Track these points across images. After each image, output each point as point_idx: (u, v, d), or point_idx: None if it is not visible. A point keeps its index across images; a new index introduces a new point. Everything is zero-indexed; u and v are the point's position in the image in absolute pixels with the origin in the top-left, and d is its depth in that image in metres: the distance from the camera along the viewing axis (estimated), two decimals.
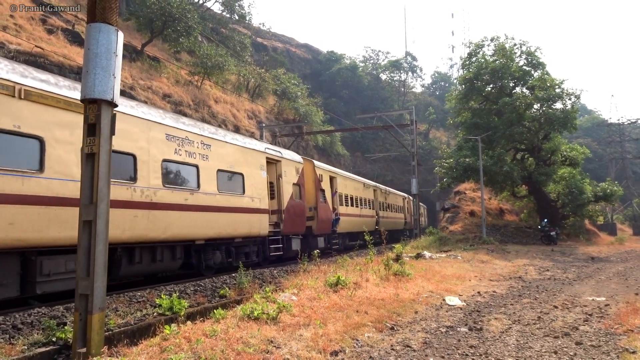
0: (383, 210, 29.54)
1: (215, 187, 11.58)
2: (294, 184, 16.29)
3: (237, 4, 41.65)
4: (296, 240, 16.37)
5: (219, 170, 11.89)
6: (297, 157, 17.53)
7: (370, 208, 26.50)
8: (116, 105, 5.28)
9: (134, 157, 9.33)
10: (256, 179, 13.65)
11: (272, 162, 15.14)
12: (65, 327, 5.69)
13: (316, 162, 19.06)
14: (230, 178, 12.49)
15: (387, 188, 33.09)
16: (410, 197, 37.77)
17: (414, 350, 5.47)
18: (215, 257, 11.97)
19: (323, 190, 18.78)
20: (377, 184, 30.70)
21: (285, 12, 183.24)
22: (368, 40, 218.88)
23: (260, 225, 13.63)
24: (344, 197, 21.83)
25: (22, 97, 7.20)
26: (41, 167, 7.38)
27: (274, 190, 15.24)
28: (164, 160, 10.04)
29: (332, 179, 20.48)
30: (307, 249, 16.90)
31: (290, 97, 39.74)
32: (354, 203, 23.54)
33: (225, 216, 11.91)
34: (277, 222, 14.96)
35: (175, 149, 10.44)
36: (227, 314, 6.33)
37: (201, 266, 11.70)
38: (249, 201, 13.03)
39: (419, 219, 33.13)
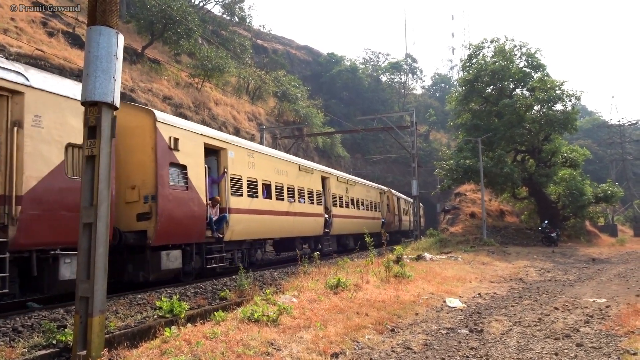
0: (341, 206, 21.21)
1: None
2: (70, 145, 8.17)
3: (237, 6, 41.74)
4: (69, 261, 7.91)
5: None
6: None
7: (313, 202, 17.95)
8: (117, 108, 5.30)
9: None
10: None
11: None
12: (66, 330, 5.71)
13: (161, 115, 10.59)
14: None
15: (350, 177, 24.86)
16: (392, 191, 32.23)
17: (415, 352, 5.47)
18: None
19: (183, 167, 10.65)
20: (331, 170, 22.29)
21: (286, 14, 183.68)
22: (368, 42, 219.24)
23: None
24: (245, 182, 13.30)
25: None
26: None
27: None
28: None
29: (212, 151, 12.27)
30: (135, 271, 9.82)
31: (290, 99, 39.78)
32: (275, 194, 15.03)
33: None
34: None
35: None
36: (227, 316, 6.34)
37: None
38: None
39: (419, 220, 33.02)
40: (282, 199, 15.51)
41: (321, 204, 18.85)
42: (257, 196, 13.89)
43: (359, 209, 23.94)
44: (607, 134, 60.57)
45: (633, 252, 23.52)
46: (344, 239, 21.97)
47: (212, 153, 12.39)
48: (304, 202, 17.23)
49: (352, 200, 23.04)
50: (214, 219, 11.82)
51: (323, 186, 19.64)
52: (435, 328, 6.66)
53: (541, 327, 6.74)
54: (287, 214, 15.70)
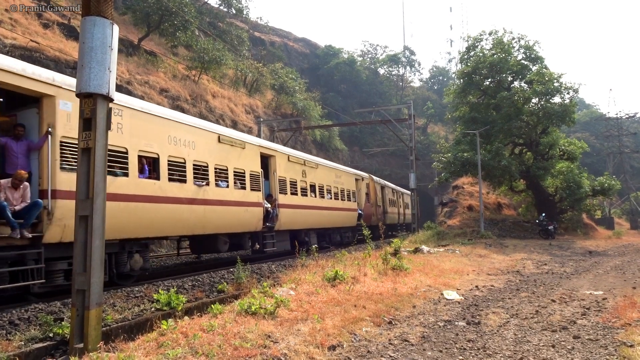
0: (294, 194, 16.72)
1: None
2: None
3: None
4: None
5: None
6: None
7: (244, 188, 13.51)
8: (112, 100, 5.25)
9: None
10: None
11: None
12: (63, 323, 5.69)
13: None
14: None
15: (310, 157, 19.95)
16: (374, 178, 28.11)
17: (412, 345, 5.47)
18: None
19: None
20: (278, 146, 17.30)
21: (283, 6, 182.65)
22: (366, 35, 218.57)
23: None
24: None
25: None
26: None
27: None
28: None
29: (26, 99, 7.79)
30: None
31: (288, 91, 39.64)
32: (168, 173, 10.45)
33: None
34: None
35: None
36: (224, 309, 6.32)
37: None
38: None
39: (417, 213, 32.91)
40: (184, 181, 10.95)
41: (259, 190, 14.24)
42: (126, 175, 9.25)
43: (322, 197, 19.28)
44: (605, 127, 60.61)
45: (629, 245, 23.63)
46: (302, 235, 17.28)
47: (29, 103, 7.85)
48: (227, 187, 12.73)
49: (313, 186, 18.52)
50: (15, 208, 7.19)
51: (266, 167, 15.38)
52: (433, 320, 6.66)
53: (538, 319, 6.75)
54: (192, 201, 11.14)
